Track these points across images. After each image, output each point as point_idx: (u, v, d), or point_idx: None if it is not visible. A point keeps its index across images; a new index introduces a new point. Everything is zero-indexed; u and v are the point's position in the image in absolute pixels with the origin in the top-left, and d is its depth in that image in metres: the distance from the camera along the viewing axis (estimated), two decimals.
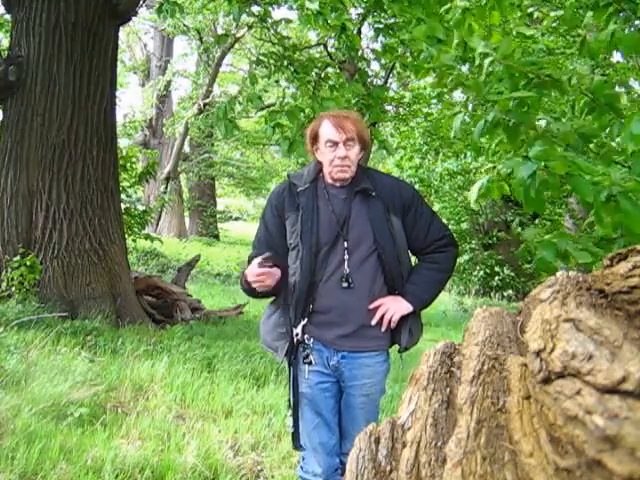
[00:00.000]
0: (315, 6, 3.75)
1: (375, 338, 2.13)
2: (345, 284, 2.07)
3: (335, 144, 2.08)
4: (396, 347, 2.20)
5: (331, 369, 2.14)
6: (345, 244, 2.08)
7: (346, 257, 2.08)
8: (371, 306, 2.09)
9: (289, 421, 2.19)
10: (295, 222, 2.11)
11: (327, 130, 2.11)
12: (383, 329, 2.10)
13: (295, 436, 2.15)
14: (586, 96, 2.33)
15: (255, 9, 5.23)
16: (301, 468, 2.24)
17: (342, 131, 2.07)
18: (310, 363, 2.11)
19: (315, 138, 2.16)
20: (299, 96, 5.01)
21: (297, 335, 2.10)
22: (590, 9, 2.61)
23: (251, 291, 2.12)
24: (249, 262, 2.22)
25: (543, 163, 1.83)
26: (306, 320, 2.10)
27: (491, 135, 2.35)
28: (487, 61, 2.30)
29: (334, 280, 2.08)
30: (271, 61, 4.92)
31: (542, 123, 2.33)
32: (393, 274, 2.11)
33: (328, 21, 3.88)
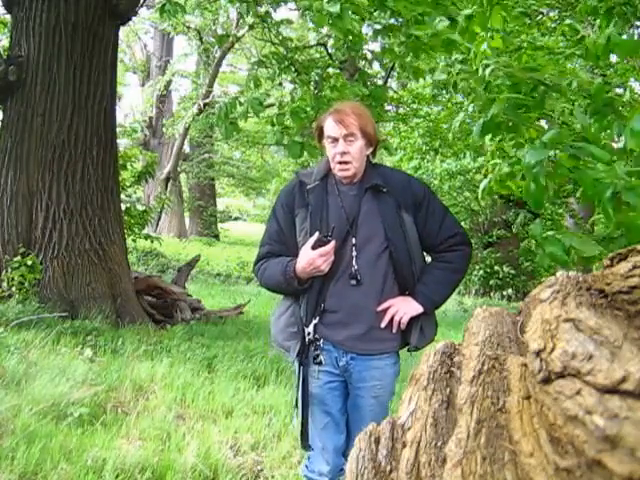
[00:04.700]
0: (336, 9, 3.53)
1: (385, 340, 2.09)
2: (353, 281, 2.03)
3: (335, 140, 2.04)
4: (406, 348, 2.16)
5: (340, 369, 2.11)
6: (353, 240, 2.04)
7: (354, 254, 2.04)
8: (380, 307, 2.05)
9: (296, 421, 2.15)
10: (304, 219, 2.08)
11: (328, 126, 2.07)
12: (394, 331, 2.06)
13: (304, 436, 2.11)
14: (586, 99, 2.33)
15: (257, 9, 5.21)
16: (306, 467, 2.21)
17: (341, 126, 2.02)
18: (320, 363, 2.08)
19: (320, 134, 2.13)
20: (299, 97, 4.98)
21: (309, 335, 2.06)
22: (590, 15, 2.62)
23: (297, 285, 2.03)
24: (258, 261, 2.18)
25: (554, 153, 1.82)
26: (317, 319, 2.06)
27: (494, 134, 2.35)
28: (488, 70, 2.31)
29: (344, 278, 2.04)
30: (274, 62, 4.89)
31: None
32: (404, 272, 2.07)
33: (347, 26, 3.68)
